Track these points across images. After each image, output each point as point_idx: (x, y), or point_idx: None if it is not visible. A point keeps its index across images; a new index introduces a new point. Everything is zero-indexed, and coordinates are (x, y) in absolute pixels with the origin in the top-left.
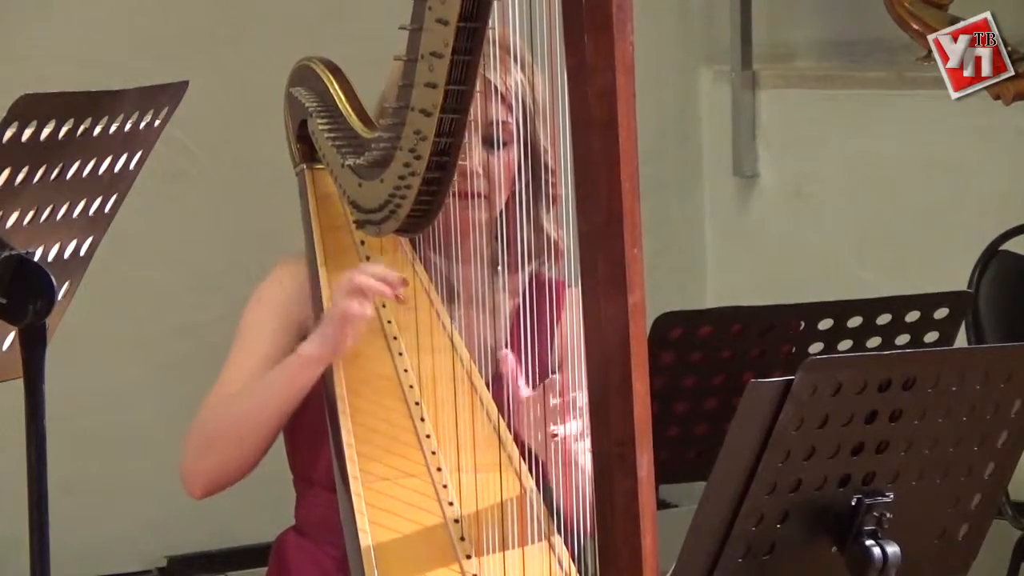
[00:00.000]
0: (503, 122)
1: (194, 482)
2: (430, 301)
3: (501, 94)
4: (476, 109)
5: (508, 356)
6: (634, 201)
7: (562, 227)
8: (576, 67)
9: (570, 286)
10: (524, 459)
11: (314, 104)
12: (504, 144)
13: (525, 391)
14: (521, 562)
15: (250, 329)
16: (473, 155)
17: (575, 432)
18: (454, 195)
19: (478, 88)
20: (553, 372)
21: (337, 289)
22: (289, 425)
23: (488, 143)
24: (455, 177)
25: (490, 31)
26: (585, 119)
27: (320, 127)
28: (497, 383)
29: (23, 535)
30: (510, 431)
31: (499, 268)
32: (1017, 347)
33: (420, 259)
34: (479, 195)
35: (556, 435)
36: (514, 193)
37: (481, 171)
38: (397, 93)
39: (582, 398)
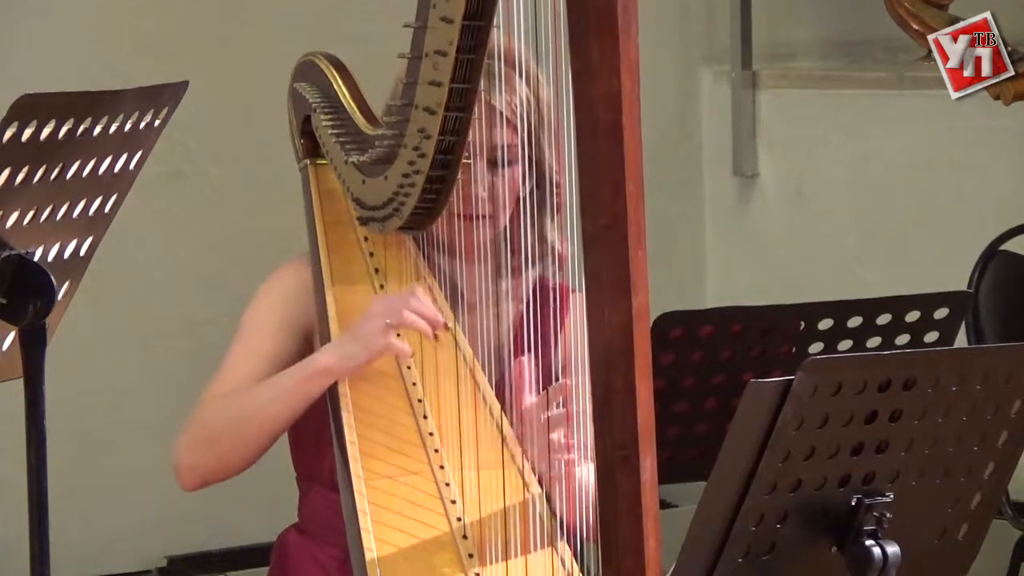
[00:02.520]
0: (510, 145)
1: (188, 476)
2: (433, 298)
3: (507, 118)
4: (481, 133)
5: (524, 364)
6: (638, 204)
7: (566, 233)
8: (581, 70)
9: (574, 290)
10: (527, 460)
11: (318, 100)
12: (510, 163)
13: (529, 401)
14: (524, 561)
15: (252, 326)
16: (477, 178)
17: (579, 454)
18: (459, 216)
19: (482, 113)
20: (557, 376)
21: (381, 312)
22: (292, 424)
23: (493, 165)
24: (460, 200)
25: (495, 33)
26: (590, 122)
27: (324, 123)
28: (501, 386)
29: (23, 535)
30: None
31: (503, 274)
32: (1017, 347)
33: (423, 257)
34: (483, 217)
35: (569, 457)
36: (518, 201)
37: (486, 195)
38: (401, 91)
39: (583, 413)
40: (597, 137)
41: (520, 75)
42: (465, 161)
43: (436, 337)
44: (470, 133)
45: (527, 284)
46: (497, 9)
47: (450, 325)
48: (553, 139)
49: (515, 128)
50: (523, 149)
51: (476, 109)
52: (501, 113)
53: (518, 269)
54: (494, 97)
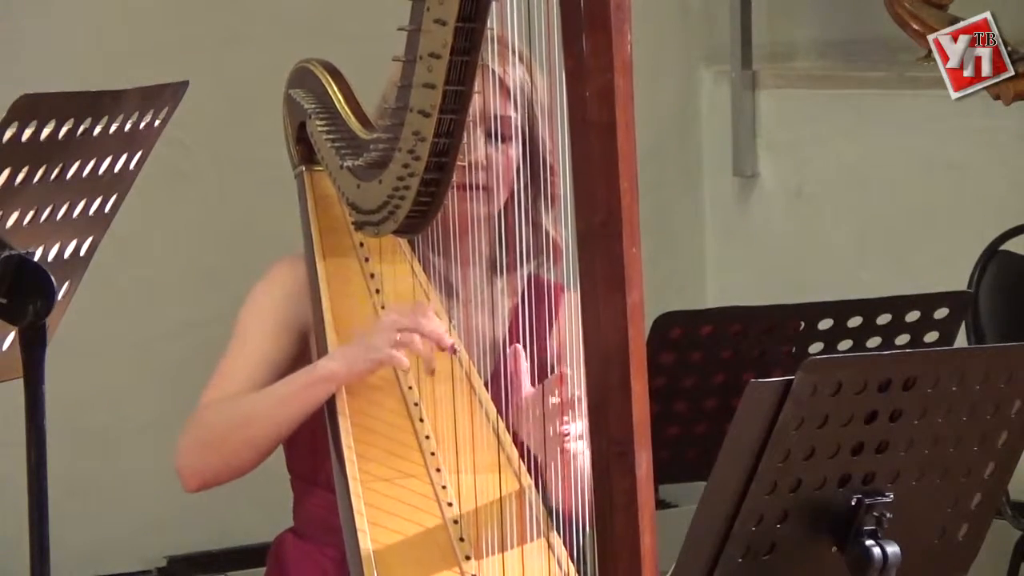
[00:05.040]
0: (505, 116)
1: (192, 479)
2: (428, 302)
3: (501, 80)
4: (478, 101)
5: (519, 351)
6: (632, 201)
7: (561, 227)
8: (574, 68)
9: (568, 288)
10: (523, 459)
11: (313, 106)
12: (505, 139)
13: (528, 388)
14: (520, 562)
15: (248, 327)
16: (474, 147)
17: (577, 432)
18: (454, 188)
19: (477, 86)
20: (552, 371)
21: (390, 326)
22: None
23: (489, 136)
24: (455, 170)
25: (493, 30)
26: (583, 120)
27: (319, 128)
28: (496, 380)
29: (23, 535)
30: (509, 429)
31: (498, 268)
32: (1017, 347)
33: (419, 259)
34: (479, 187)
35: (567, 433)
36: (513, 192)
37: (484, 162)
38: (396, 94)
39: (582, 402)
40: (591, 135)
41: (514, 55)
42: (460, 164)
43: (433, 372)
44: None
45: (521, 279)
46: (491, 10)
47: (446, 327)
48: (547, 123)
49: (510, 97)
50: (519, 124)
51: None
52: (494, 72)
53: (512, 264)
54: (493, 63)
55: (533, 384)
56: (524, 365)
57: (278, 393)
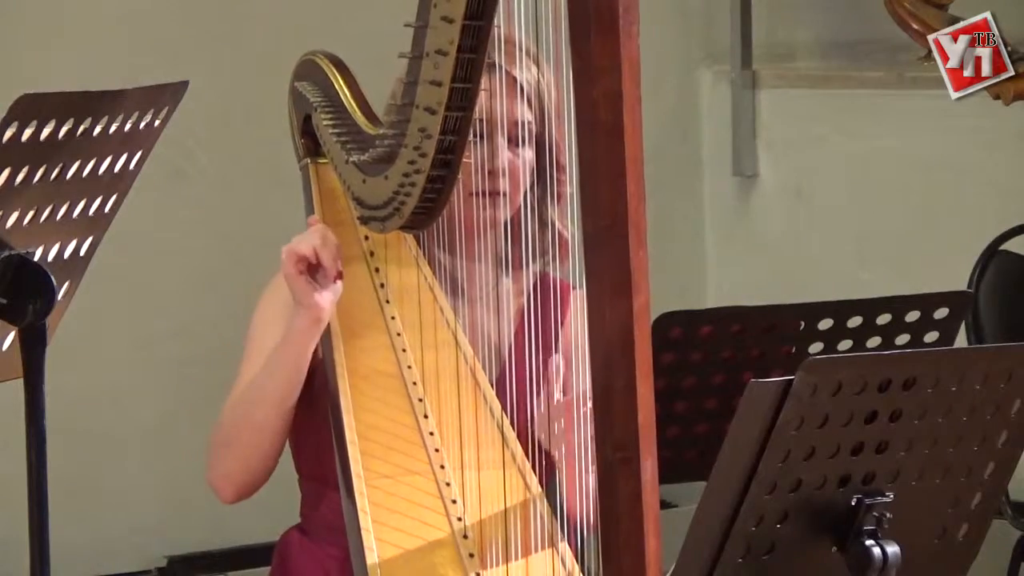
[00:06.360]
0: (522, 121)
1: (223, 486)
2: (434, 297)
3: (515, 82)
4: (495, 106)
5: (558, 361)
6: (639, 204)
7: (568, 223)
8: (582, 69)
9: (575, 288)
10: (528, 457)
11: (319, 99)
12: (521, 143)
13: (559, 396)
14: (524, 561)
15: (259, 332)
16: (494, 154)
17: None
18: (460, 192)
19: (491, 86)
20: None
21: (288, 251)
22: (294, 424)
23: (512, 142)
24: (479, 176)
25: (501, 29)
26: (591, 121)
27: (324, 122)
28: (502, 379)
29: (23, 535)
30: (514, 427)
31: (504, 266)
32: (1017, 347)
33: (425, 255)
34: (497, 193)
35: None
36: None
37: (504, 168)
38: (402, 90)
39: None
40: (598, 137)
41: (527, 55)
42: (465, 161)
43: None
44: (489, 106)
45: (528, 279)
46: (498, 9)
47: (450, 323)
48: (555, 121)
49: (530, 104)
50: (525, 127)
51: (492, 81)
52: (508, 73)
53: (519, 261)
54: (515, 70)
55: (532, 384)
56: (562, 374)
57: (266, 366)
